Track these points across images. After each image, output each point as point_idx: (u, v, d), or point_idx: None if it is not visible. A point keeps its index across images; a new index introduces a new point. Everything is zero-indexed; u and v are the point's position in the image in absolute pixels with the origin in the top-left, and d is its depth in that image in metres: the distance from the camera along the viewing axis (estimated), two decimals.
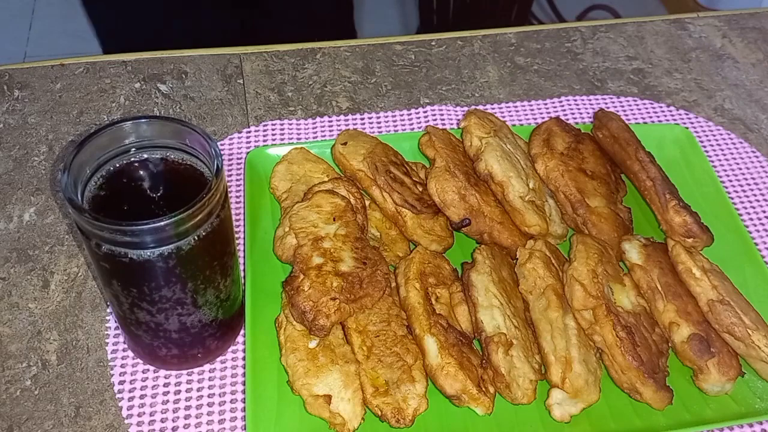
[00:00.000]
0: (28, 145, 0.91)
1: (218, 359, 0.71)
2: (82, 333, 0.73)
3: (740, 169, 0.92)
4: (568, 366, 0.65)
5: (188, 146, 0.62)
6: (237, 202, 0.84)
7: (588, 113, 0.99)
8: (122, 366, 0.70)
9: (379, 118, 0.96)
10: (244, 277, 0.74)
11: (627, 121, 0.86)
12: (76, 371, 0.70)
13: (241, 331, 0.73)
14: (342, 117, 0.96)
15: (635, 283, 0.73)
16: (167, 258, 0.58)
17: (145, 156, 0.63)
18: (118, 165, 0.62)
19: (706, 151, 0.94)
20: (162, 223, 0.55)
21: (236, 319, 0.71)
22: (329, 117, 0.96)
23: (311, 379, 0.65)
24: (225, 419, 0.67)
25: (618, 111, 0.99)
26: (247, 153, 0.86)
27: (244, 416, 0.66)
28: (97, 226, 0.55)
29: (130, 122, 0.62)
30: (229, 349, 0.72)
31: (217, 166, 0.59)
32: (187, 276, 0.60)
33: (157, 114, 0.96)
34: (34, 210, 0.84)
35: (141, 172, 0.63)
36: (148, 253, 0.57)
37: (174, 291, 0.61)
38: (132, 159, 0.62)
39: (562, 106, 1.00)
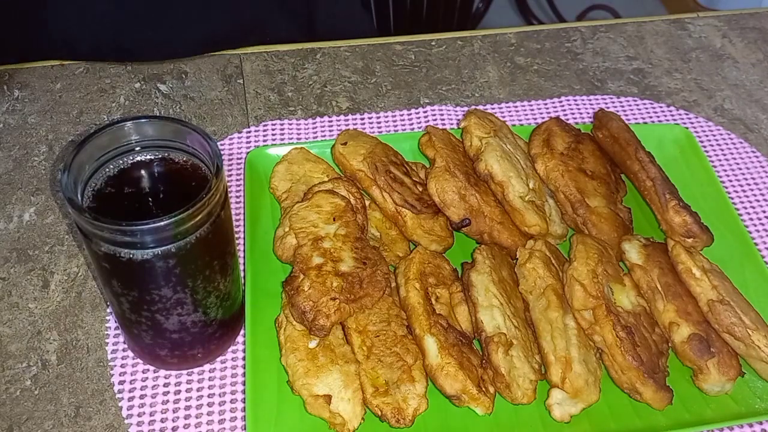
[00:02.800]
0: (28, 145, 0.91)
1: (218, 359, 0.71)
2: (82, 333, 0.73)
3: (740, 169, 0.92)
4: (568, 366, 0.65)
5: (188, 146, 0.62)
6: (237, 202, 0.84)
7: (588, 113, 0.99)
8: (122, 366, 0.70)
9: (379, 118, 0.96)
10: (244, 277, 0.74)
11: (627, 121, 0.86)
12: (76, 371, 0.70)
13: (241, 331, 0.73)
14: (342, 117, 0.96)
15: (635, 283, 0.73)
16: (167, 258, 0.58)
17: (146, 156, 0.63)
18: (118, 165, 0.62)
19: (706, 151, 0.94)
20: (162, 223, 0.55)
21: (236, 319, 0.71)
22: (329, 117, 0.96)
23: (311, 379, 0.65)
24: (225, 419, 0.67)
25: (618, 111, 0.99)
26: (247, 153, 0.86)
27: (244, 416, 0.66)
28: (97, 226, 0.55)
29: (130, 122, 0.62)
30: (229, 349, 0.72)
31: (217, 165, 0.59)
32: (186, 276, 0.60)
33: (157, 114, 0.96)
34: (34, 210, 0.84)
35: (141, 172, 0.62)
36: (148, 253, 0.57)
37: (174, 291, 0.61)
38: (132, 159, 0.62)
39: (562, 106, 1.00)
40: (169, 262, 0.58)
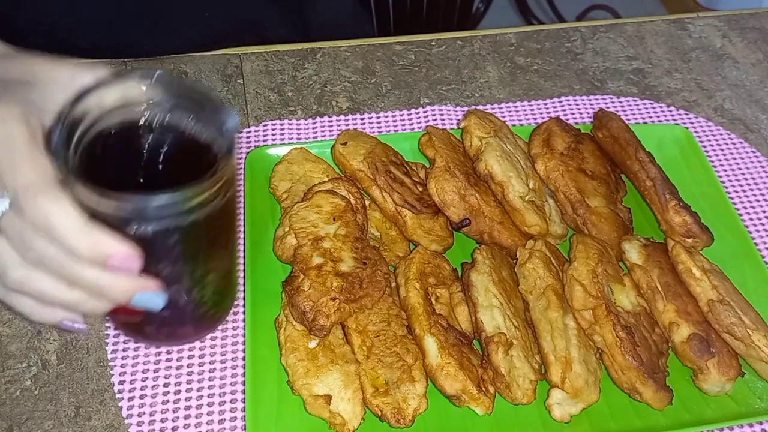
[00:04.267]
0: None
1: (218, 359, 0.71)
2: (82, 333, 0.73)
3: (740, 169, 0.92)
4: (568, 366, 0.65)
5: (202, 114, 0.56)
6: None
7: (588, 113, 0.99)
8: (122, 366, 0.70)
9: (379, 118, 0.96)
10: (244, 277, 0.74)
11: (627, 121, 0.86)
12: (76, 371, 0.70)
13: (242, 331, 0.73)
14: (342, 117, 0.96)
15: (635, 283, 0.73)
16: (167, 234, 0.54)
17: (153, 119, 0.57)
18: (119, 126, 0.56)
19: (706, 151, 0.94)
20: (167, 197, 0.51)
21: (229, 297, 0.70)
22: (329, 117, 0.96)
23: (311, 379, 0.65)
24: (225, 419, 0.67)
25: (618, 111, 0.99)
26: (247, 153, 0.86)
27: (244, 416, 0.66)
28: (96, 192, 0.50)
29: (140, 77, 0.56)
30: (229, 350, 0.72)
31: (232, 139, 0.54)
32: (185, 254, 0.57)
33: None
34: None
35: (143, 138, 0.57)
36: (149, 227, 0.53)
37: (170, 268, 0.57)
38: (135, 121, 0.56)
39: (562, 106, 1.00)
40: (168, 238, 0.54)
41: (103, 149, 0.56)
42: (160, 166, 0.57)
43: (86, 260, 0.51)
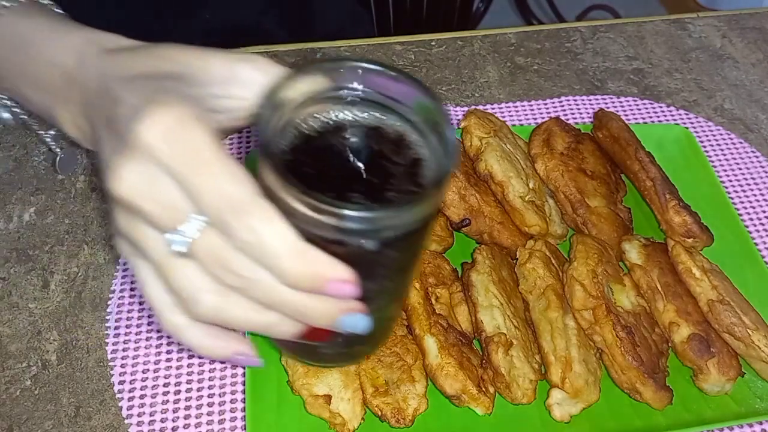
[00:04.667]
0: (28, 145, 0.91)
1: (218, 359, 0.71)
2: (82, 333, 0.73)
3: (740, 169, 0.92)
4: (568, 366, 0.65)
5: (414, 118, 0.48)
6: None
7: (588, 113, 0.99)
8: (122, 366, 0.70)
9: None
10: None
11: (627, 121, 0.86)
12: (76, 371, 0.70)
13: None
14: None
15: (635, 283, 0.73)
16: (386, 250, 0.46)
17: (356, 121, 0.48)
18: (314, 128, 0.47)
19: (706, 151, 0.94)
20: (406, 211, 0.43)
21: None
22: None
23: (311, 379, 0.65)
24: (225, 419, 0.67)
25: (618, 111, 0.99)
26: (247, 153, 0.86)
27: (244, 416, 0.66)
28: (317, 206, 0.42)
29: (368, 66, 0.47)
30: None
31: (455, 150, 0.45)
32: (395, 271, 0.50)
33: None
34: (34, 210, 0.84)
35: (347, 143, 0.47)
36: (369, 244, 0.45)
37: (378, 286, 0.49)
38: (335, 122, 0.48)
39: (562, 106, 1.00)
40: (386, 255, 0.46)
41: (302, 156, 0.47)
42: (371, 175, 0.47)
43: (298, 285, 0.45)
